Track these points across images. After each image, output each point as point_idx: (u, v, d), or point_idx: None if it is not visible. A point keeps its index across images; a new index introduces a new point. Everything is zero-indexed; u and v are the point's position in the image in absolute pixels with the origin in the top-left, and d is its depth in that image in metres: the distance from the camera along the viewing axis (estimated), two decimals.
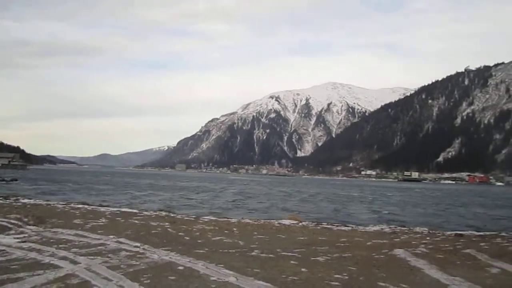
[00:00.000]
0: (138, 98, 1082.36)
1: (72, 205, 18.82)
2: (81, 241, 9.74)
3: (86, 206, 18.19)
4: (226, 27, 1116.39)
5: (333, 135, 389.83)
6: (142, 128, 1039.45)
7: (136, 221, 13.57)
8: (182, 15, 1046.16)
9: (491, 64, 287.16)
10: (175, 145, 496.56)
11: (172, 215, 16.64)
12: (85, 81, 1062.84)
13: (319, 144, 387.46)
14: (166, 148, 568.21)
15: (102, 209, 17.65)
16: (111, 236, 10.31)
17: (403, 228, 14.73)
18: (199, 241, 10.32)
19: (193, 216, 16.75)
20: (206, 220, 15.21)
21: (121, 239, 9.95)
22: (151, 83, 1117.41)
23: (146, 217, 15.11)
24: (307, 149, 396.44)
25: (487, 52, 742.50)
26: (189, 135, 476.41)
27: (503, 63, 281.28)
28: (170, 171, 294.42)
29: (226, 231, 12.23)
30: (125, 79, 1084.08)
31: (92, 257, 8.01)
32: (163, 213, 16.91)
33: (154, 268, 7.34)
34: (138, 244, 9.35)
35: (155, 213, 16.70)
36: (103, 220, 13.54)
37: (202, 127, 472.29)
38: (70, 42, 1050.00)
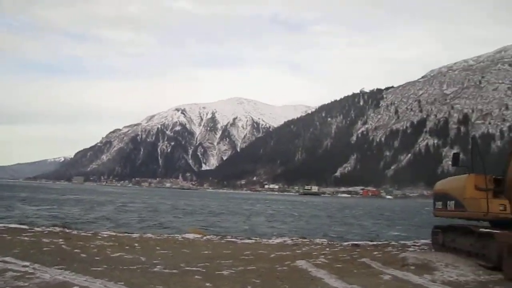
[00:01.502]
0: (31, 104, 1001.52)
1: None
2: None
3: None
4: (131, 35, 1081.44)
5: (238, 149, 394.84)
6: (36, 137, 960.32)
7: (26, 238, 12.41)
8: (84, 18, 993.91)
9: (383, 87, 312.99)
10: (73, 156, 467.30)
11: (68, 231, 15.49)
12: None
13: (224, 158, 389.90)
14: (63, 159, 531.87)
15: None
16: None
17: (304, 240, 15.24)
18: (97, 258, 9.72)
19: (91, 232, 15.77)
20: (105, 235, 14.40)
21: (7, 258, 8.98)
22: (47, 88, 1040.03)
23: (37, 233, 13.86)
24: (212, 163, 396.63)
25: (380, 75, 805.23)
26: (88, 146, 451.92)
27: (392, 86, 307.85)
28: (66, 183, 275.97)
29: (126, 247, 11.69)
30: (16, 82, 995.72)
31: None
32: (57, 229, 15.67)
33: None
34: (27, 263, 8.52)
35: (48, 229, 15.41)
36: None
37: (103, 138, 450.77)
38: None
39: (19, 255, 9.49)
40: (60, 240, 12.31)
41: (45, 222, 22.24)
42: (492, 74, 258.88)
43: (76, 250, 10.65)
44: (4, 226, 15.68)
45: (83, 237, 13.67)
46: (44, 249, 10.67)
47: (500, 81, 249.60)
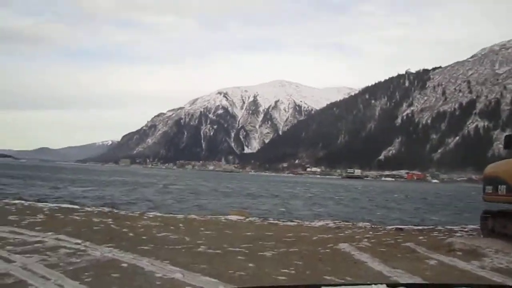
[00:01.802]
0: (79, 90, 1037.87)
1: (6, 200, 17.74)
2: (16, 238, 9.18)
3: (22, 202, 17.19)
4: (174, 19, 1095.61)
5: (280, 133, 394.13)
6: (85, 121, 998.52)
7: (77, 217, 13.01)
8: (127, 5, 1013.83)
9: (430, 68, 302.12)
10: (120, 140, 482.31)
11: (116, 211, 16.11)
12: (23, 71, 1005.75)
13: (266, 141, 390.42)
14: (110, 142, 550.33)
15: (40, 204, 16.73)
16: (50, 233, 9.78)
17: (347, 223, 15.12)
18: (144, 237, 10.05)
19: (138, 212, 16.32)
20: (151, 216, 14.86)
21: (61, 236, 9.47)
22: (94, 74, 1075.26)
23: (88, 213, 14.51)
24: (254, 146, 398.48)
25: (426, 55, 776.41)
26: (134, 130, 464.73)
27: (440, 67, 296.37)
28: (114, 166, 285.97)
29: (172, 227, 12.01)
30: (67, 70, 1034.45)
31: (28, 255, 7.56)
32: (106, 209, 16.33)
33: (96, 265, 7.05)
34: (79, 241, 8.95)
35: (97, 209, 16.09)
36: (41, 217, 12.83)
37: (148, 121, 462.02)
38: (7, 30, 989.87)
39: (71, 233, 9.98)
40: (109, 219, 12.81)
41: (90, 202, 23.22)
42: None
43: (124, 230, 11.06)
44: (57, 206, 16.50)
45: (130, 217, 14.16)
46: (95, 228, 11.15)
47: None
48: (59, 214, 13.54)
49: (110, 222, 12.25)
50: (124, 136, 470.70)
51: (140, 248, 8.57)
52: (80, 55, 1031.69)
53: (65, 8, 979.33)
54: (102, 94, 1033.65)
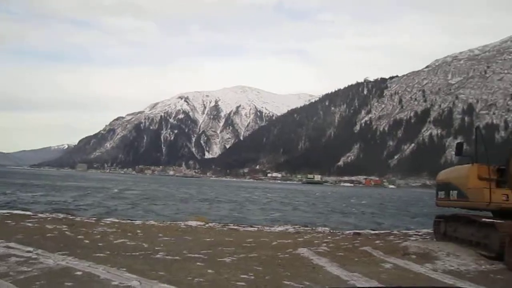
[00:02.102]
0: (36, 92, 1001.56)
1: None
2: None
3: None
4: (134, 22, 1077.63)
5: (241, 138, 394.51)
6: (40, 124, 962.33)
7: (30, 224, 12.50)
8: (88, 6, 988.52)
9: (387, 77, 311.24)
10: (76, 144, 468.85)
11: (71, 217, 15.60)
12: None
13: (227, 146, 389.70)
14: (66, 146, 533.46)
15: None
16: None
17: (306, 228, 15.28)
18: (100, 244, 9.78)
19: (94, 218, 15.87)
20: (108, 222, 14.48)
21: (11, 244, 9.06)
22: (50, 76, 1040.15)
23: (41, 219, 13.96)
24: (215, 151, 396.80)
25: (384, 64, 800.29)
26: (92, 134, 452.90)
27: (397, 76, 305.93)
28: (70, 171, 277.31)
29: (129, 234, 11.75)
30: (19, 71, 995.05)
31: None
32: (61, 215, 15.78)
33: (48, 274, 6.78)
34: (31, 249, 8.59)
35: (51, 215, 15.52)
36: None
37: (106, 125, 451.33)
38: None
39: (23, 240, 9.57)
40: (64, 226, 12.38)
41: (40, 208, 22.37)
42: (498, 64, 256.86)
43: (79, 236, 10.73)
44: (8, 212, 15.80)
45: (86, 223, 13.75)
46: (48, 235, 10.75)
47: (506, 71, 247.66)
48: (9, 221, 12.94)
49: (65, 229, 11.85)
50: (81, 140, 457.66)
51: (95, 255, 8.33)
52: (33, 55, 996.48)
53: (19, 7, 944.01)
54: (58, 97, 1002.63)
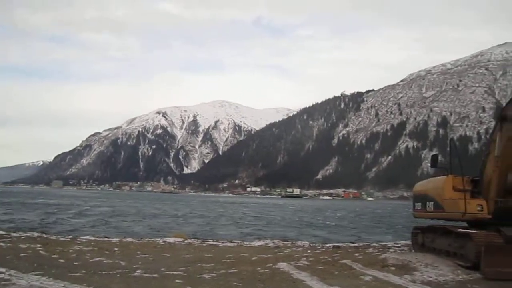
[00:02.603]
0: (8, 107, 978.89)
1: None
2: None
3: None
4: (111, 37, 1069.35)
5: (220, 153, 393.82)
6: (13, 140, 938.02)
7: (2, 244, 12.10)
8: (67, 22, 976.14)
9: (363, 91, 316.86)
10: (52, 160, 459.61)
11: (46, 236, 15.19)
12: None
13: (206, 161, 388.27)
14: (41, 163, 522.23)
15: None
16: None
17: (286, 242, 15.25)
18: (76, 263, 9.53)
19: (70, 237, 15.49)
20: (84, 240, 14.16)
21: None
22: (25, 92, 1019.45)
23: (14, 239, 13.53)
24: (193, 166, 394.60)
25: (360, 79, 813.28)
26: (67, 150, 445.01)
27: (373, 90, 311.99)
28: (45, 188, 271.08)
29: (106, 252, 11.50)
30: None
31: None
32: (35, 234, 15.35)
33: None
34: (3, 270, 8.29)
35: (25, 234, 15.08)
36: None
37: (82, 141, 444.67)
38: None
39: None
40: (38, 245, 12.04)
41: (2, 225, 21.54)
42: (469, 78, 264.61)
43: (54, 256, 10.44)
44: None
45: (62, 242, 13.40)
46: (21, 255, 10.42)
47: (477, 85, 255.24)
48: None
49: (39, 248, 11.52)
50: (56, 156, 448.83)
51: (71, 275, 8.12)
52: (9, 70, 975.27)
53: None
54: (32, 112, 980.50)
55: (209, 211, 53.94)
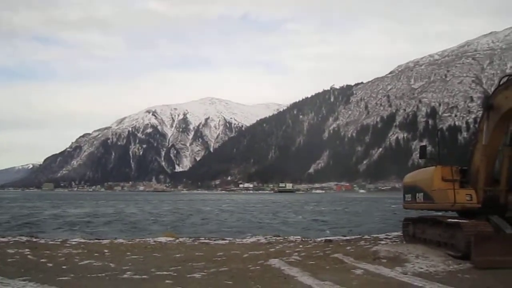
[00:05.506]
0: None
1: None
2: None
3: None
4: (99, 37, 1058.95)
5: (211, 150, 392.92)
6: (2, 143, 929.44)
7: None
8: (51, 22, 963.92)
9: (353, 84, 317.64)
10: (42, 163, 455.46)
11: (35, 239, 15.00)
12: None
13: (198, 158, 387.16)
14: (31, 166, 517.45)
15: None
16: None
17: (278, 238, 15.21)
18: (64, 267, 9.41)
19: (59, 240, 15.31)
20: (74, 243, 13.98)
21: None
22: (12, 93, 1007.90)
23: (2, 243, 13.35)
24: (185, 164, 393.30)
25: (349, 72, 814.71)
26: (57, 152, 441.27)
27: (362, 82, 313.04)
28: (35, 191, 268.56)
29: (96, 254, 11.38)
30: None
31: None
32: (24, 238, 15.15)
33: None
34: None
35: (13, 239, 14.88)
36: None
37: (72, 142, 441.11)
38: None
39: None
40: (26, 250, 11.87)
41: None
42: (457, 68, 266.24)
43: (42, 260, 10.29)
44: None
45: (51, 245, 13.23)
46: (8, 260, 10.26)
47: (465, 75, 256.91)
48: None
49: (27, 253, 11.35)
50: (46, 159, 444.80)
51: (59, 279, 8.00)
52: None
53: None
54: (21, 114, 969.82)
55: (191, 210, 52.23)
